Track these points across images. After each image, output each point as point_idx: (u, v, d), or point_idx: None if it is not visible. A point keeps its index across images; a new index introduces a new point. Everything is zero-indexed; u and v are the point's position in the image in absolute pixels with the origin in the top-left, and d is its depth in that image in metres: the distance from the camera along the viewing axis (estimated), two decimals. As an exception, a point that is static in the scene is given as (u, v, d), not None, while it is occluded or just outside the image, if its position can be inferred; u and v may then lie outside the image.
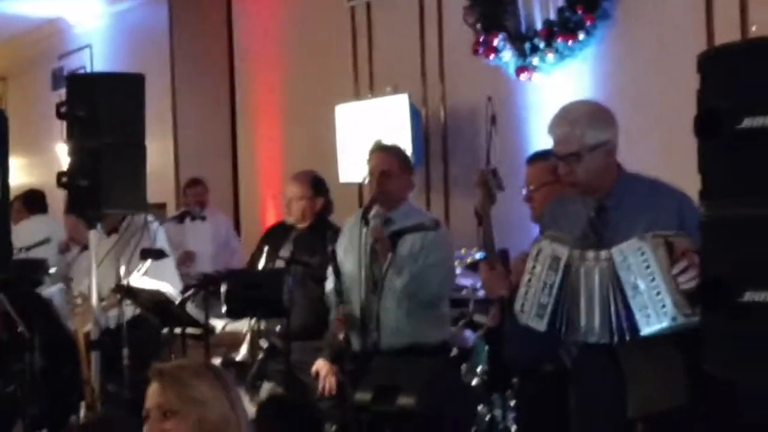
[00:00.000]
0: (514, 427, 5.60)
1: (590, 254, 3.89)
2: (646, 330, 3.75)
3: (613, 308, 3.79)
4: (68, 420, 5.95)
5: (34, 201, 9.36)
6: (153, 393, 3.02)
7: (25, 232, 8.24)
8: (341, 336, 5.39)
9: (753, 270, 2.82)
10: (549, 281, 3.91)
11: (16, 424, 6.27)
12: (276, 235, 6.51)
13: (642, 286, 3.73)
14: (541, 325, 3.91)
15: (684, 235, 3.74)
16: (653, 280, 3.71)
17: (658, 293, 3.70)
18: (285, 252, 6.17)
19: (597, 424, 3.98)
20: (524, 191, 4.89)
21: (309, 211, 6.30)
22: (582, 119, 4.07)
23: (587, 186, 4.08)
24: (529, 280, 3.94)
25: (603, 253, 3.83)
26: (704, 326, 3.09)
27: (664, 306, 3.69)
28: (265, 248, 6.35)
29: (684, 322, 3.66)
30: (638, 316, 3.75)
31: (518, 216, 5.31)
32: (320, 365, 5.71)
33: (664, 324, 3.71)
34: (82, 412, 6.04)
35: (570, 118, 4.10)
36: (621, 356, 3.88)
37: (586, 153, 4.02)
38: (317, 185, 6.38)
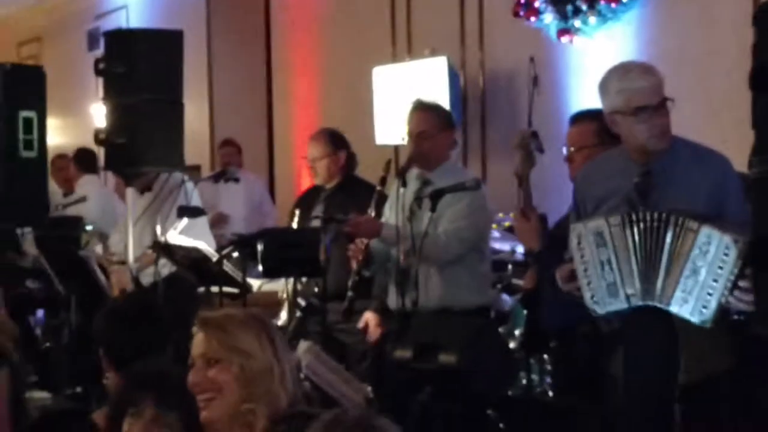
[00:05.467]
0: (551, 391, 5.56)
1: (655, 215, 3.74)
2: (672, 309, 3.65)
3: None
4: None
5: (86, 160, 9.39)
6: (198, 342, 3.02)
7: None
8: (354, 265, 5.36)
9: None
10: (604, 258, 3.77)
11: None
12: (307, 199, 6.46)
13: (702, 276, 3.58)
14: (621, 304, 3.76)
15: None
16: (716, 280, 3.56)
17: (710, 294, 3.57)
18: (317, 213, 6.11)
19: (647, 387, 3.87)
20: (564, 150, 4.80)
21: (334, 168, 6.21)
22: (657, 71, 3.96)
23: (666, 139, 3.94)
24: (585, 270, 3.80)
25: (691, 223, 3.63)
26: (758, 286, 3.02)
27: (705, 307, 3.58)
28: (297, 212, 6.30)
29: (703, 326, 3.59)
30: (677, 293, 3.64)
31: (558, 179, 5.24)
32: (369, 317, 5.65)
33: (693, 319, 3.61)
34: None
35: (648, 67, 3.99)
36: (677, 319, 3.75)
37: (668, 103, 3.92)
38: (335, 140, 6.28)
